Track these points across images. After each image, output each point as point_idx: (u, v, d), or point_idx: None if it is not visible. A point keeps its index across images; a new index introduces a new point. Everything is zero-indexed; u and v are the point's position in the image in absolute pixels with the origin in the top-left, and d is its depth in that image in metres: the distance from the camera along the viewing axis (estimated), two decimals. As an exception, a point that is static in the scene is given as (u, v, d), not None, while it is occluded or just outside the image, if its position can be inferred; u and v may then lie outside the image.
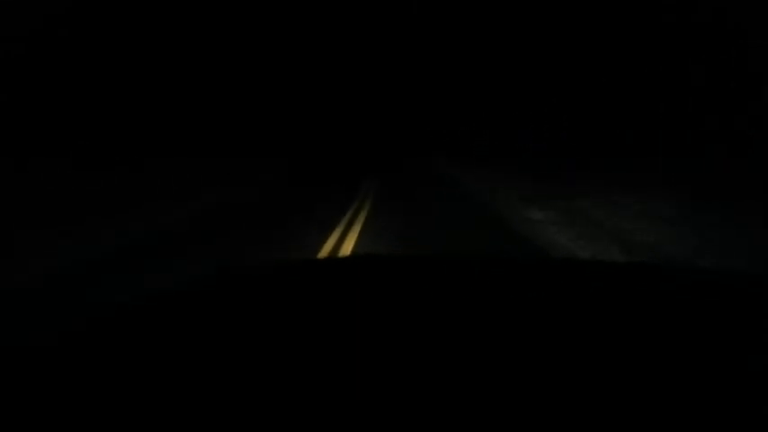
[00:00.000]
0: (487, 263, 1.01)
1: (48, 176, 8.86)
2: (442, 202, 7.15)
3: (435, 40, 21.21)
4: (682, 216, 4.91)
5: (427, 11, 20.89)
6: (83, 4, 11.02)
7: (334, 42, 27.08)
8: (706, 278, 0.87)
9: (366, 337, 0.57)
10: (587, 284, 0.83)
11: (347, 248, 4.01)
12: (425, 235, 4.72)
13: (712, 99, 8.38)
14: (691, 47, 8.83)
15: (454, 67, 20.57)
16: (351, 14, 26.21)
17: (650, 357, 0.50)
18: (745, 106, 7.61)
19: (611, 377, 0.46)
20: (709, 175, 6.77)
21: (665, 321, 0.61)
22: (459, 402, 0.41)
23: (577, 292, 0.78)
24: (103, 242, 4.47)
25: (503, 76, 16.57)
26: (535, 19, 13.85)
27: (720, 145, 7.87)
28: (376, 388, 0.44)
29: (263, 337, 0.58)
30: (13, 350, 0.56)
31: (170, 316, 0.69)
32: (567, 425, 0.38)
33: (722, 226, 4.35)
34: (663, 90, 9.54)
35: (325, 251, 3.99)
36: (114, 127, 11.68)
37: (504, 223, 5.21)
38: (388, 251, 3.93)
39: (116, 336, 0.61)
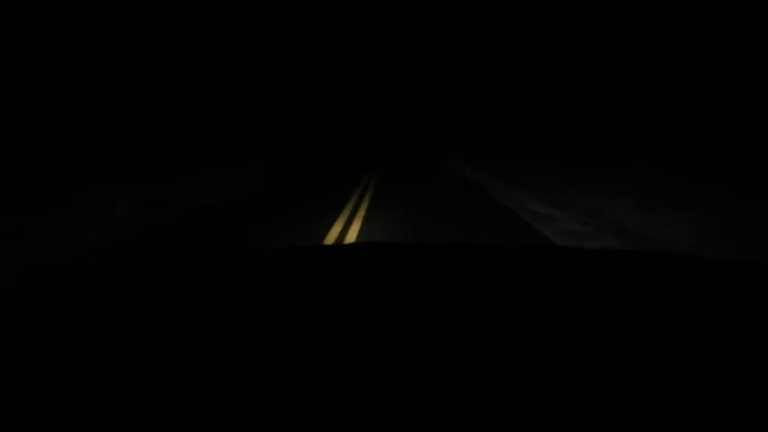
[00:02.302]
0: (490, 251, 1.01)
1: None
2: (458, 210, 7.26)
3: (454, 47, 21.27)
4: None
5: (447, 18, 21.01)
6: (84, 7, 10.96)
7: (356, 52, 27.92)
8: (706, 267, 0.85)
9: (369, 325, 0.58)
10: (591, 274, 0.82)
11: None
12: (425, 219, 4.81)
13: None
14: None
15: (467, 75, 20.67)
16: (373, 25, 26.73)
17: (651, 350, 0.49)
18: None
19: (612, 369, 0.45)
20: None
21: (665, 312, 0.60)
22: (461, 392, 0.42)
23: (580, 281, 0.76)
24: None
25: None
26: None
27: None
28: (380, 375, 0.44)
29: (269, 325, 0.59)
30: (29, 337, 0.56)
31: (179, 302, 0.71)
32: (566, 414, 0.38)
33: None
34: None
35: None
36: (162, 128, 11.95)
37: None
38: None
39: (128, 322, 0.62)
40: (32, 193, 6.18)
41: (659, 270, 0.83)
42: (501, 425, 0.37)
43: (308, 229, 4.51)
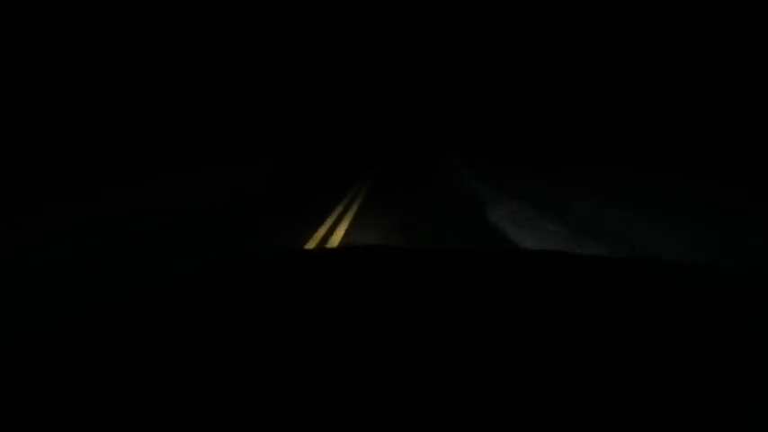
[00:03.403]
0: (491, 257, 0.99)
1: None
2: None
3: (454, 47, 21.22)
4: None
5: (447, 18, 20.99)
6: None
7: (356, 52, 28.04)
8: (702, 277, 0.84)
9: (369, 328, 0.58)
10: (589, 280, 0.81)
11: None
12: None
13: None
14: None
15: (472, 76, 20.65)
16: (373, 25, 26.85)
17: (644, 356, 0.49)
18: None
19: (606, 375, 0.45)
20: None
21: (657, 319, 0.60)
22: (457, 395, 0.42)
23: (578, 288, 0.76)
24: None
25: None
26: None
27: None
28: (377, 377, 0.45)
29: (269, 327, 0.59)
30: (35, 335, 0.56)
31: (180, 304, 0.70)
32: (560, 419, 0.38)
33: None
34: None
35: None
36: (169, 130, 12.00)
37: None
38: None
39: (127, 323, 0.62)
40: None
41: (653, 276, 0.83)
42: (498, 427, 0.38)
43: (307, 229, 4.53)
